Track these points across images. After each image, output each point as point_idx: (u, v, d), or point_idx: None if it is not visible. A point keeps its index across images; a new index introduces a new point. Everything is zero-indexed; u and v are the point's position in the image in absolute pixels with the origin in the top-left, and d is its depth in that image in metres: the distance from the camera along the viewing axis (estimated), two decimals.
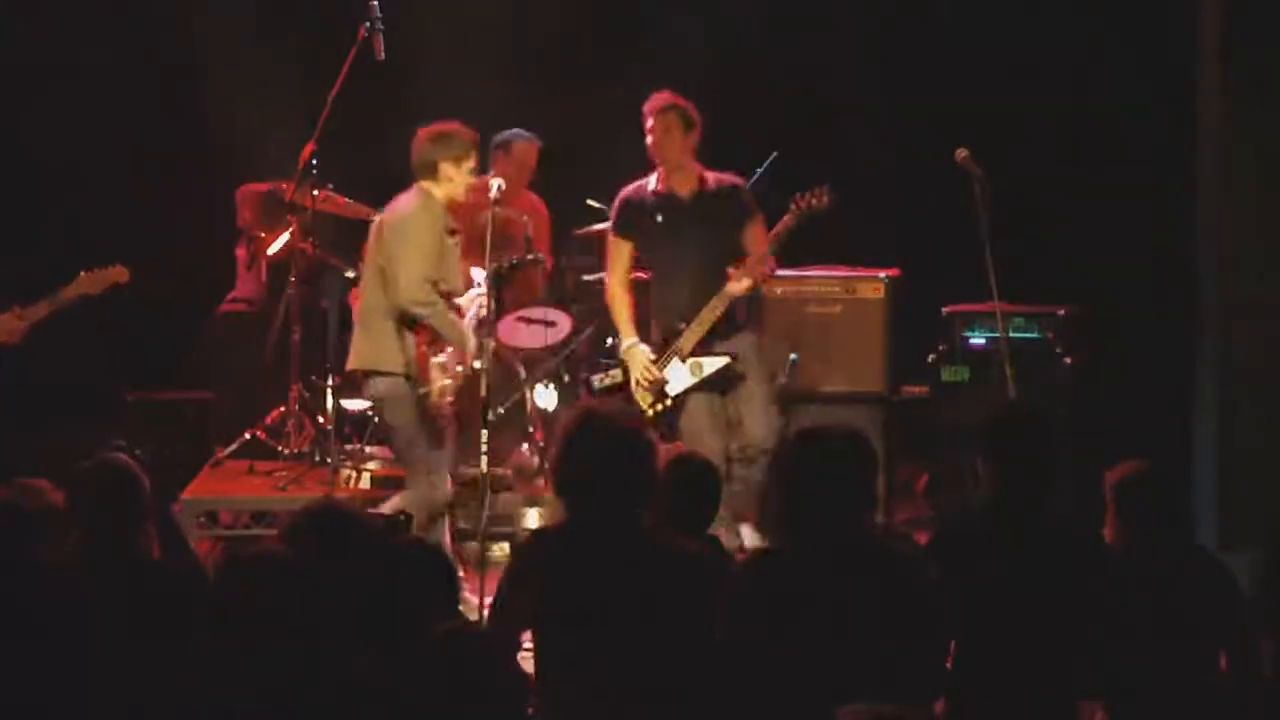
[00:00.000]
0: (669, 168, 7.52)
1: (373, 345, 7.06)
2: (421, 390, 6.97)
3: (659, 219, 7.53)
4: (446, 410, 7.09)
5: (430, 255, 7.00)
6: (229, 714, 4.12)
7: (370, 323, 7.09)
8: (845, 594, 4.38)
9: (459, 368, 7.16)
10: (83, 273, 7.79)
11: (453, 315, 7.08)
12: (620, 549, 4.54)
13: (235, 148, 9.14)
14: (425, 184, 7.12)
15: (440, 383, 7.01)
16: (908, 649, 4.39)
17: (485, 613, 6.21)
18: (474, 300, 7.30)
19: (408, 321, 6.99)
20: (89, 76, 9.57)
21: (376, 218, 7.35)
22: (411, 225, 7.04)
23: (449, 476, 7.14)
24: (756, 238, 7.46)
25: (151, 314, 9.60)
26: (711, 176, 7.55)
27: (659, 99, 7.49)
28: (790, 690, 4.32)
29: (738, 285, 7.39)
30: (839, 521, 4.44)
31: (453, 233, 7.14)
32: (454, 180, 7.12)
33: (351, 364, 7.19)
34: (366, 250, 7.32)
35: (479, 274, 7.54)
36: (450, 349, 7.10)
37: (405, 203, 7.17)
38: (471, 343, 7.11)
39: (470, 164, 7.18)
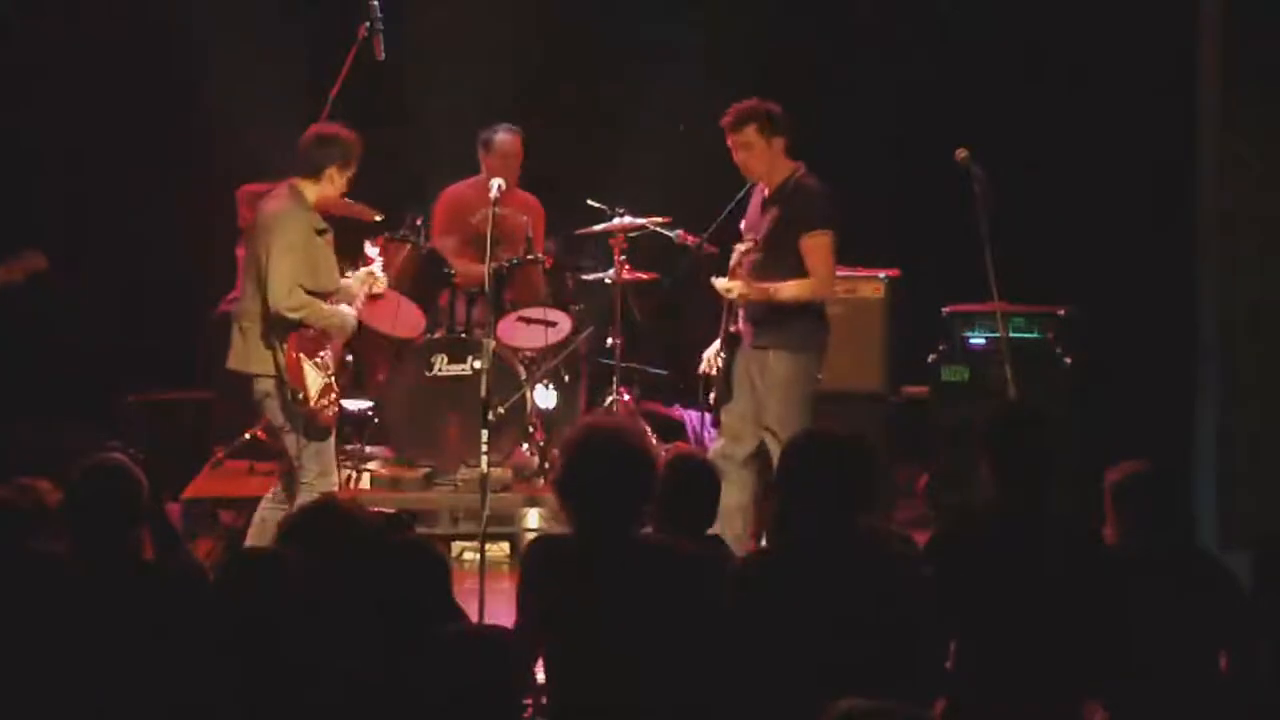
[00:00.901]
0: (761, 179, 7.33)
1: (246, 347, 7.04)
2: (298, 395, 6.95)
3: (741, 221, 7.51)
4: (329, 409, 7.05)
5: (300, 255, 6.95)
6: (228, 714, 4.12)
7: (244, 325, 7.06)
8: (843, 594, 4.39)
9: (332, 363, 7.11)
10: None
11: (326, 306, 7.04)
12: (621, 554, 4.54)
13: (235, 148, 9.13)
14: (301, 183, 7.06)
15: (317, 384, 6.97)
16: (906, 649, 4.39)
17: (482, 614, 6.25)
18: (363, 280, 7.30)
19: (279, 328, 6.95)
20: (89, 76, 9.57)
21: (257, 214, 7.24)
22: (280, 224, 6.98)
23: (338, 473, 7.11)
24: (809, 249, 7.17)
25: (151, 314, 9.62)
26: (797, 178, 7.30)
27: (734, 114, 7.23)
28: (790, 690, 4.32)
29: (717, 282, 7.29)
30: (837, 522, 4.45)
31: (321, 232, 7.10)
32: (334, 184, 7.08)
33: (229, 363, 7.18)
34: (243, 249, 7.28)
35: (373, 250, 7.53)
36: (326, 350, 7.06)
37: (276, 201, 7.11)
38: (352, 321, 7.14)
39: (351, 171, 7.12)
